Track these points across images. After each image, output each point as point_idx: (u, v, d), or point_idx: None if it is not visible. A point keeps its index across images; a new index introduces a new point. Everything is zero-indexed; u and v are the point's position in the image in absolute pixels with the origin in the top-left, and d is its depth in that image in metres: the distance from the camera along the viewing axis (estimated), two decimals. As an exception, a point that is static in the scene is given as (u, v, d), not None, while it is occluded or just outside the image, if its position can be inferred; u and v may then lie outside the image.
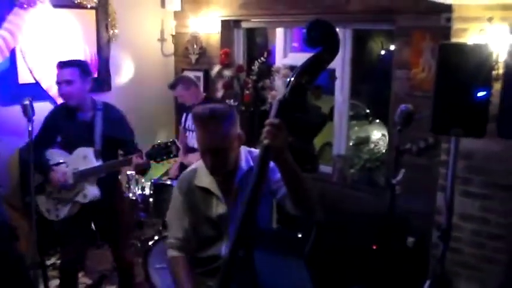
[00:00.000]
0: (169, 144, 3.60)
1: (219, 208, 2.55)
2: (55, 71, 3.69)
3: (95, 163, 3.69)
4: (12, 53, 4.89)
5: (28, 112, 3.31)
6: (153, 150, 3.61)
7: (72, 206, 3.74)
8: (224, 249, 2.48)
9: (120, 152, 3.94)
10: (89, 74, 3.75)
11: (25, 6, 4.79)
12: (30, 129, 3.25)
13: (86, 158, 3.70)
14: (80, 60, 3.81)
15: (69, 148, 3.74)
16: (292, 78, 1.94)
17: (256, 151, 2.58)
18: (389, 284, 3.67)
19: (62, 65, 3.67)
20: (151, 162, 3.68)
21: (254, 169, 2.06)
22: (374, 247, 4.04)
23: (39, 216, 3.74)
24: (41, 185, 3.81)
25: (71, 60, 3.74)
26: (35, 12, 4.91)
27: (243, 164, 2.54)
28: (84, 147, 3.71)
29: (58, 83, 3.64)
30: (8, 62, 4.87)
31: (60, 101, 4.03)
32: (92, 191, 3.72)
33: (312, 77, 1.94)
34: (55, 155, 3.79)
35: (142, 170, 3.84)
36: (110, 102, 4.02)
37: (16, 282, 3.32)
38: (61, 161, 3.75)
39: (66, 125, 3.68)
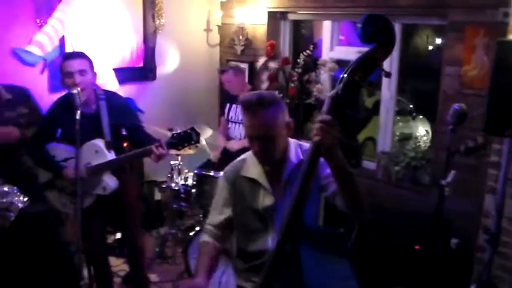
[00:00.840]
0: (189, 131, 3.54)
1: (265, 200, 2.52)
2: (64, 62, 3.59)
3: (108, 155, 3.63)
4: (62, 41, 4.93)
5: (76, 101, 3.31)
6: (173, 139, 3.53)
7: (90, 198, 3.69)
8: (270, 243, 2.45)
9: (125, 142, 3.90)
10: (94, 68, 3.68)
11: (74, -6, 4.84)
12: (77, 117, 3.24)
13: (97, 151, 3.63)
14: (87, 56, 3.71)
15: (73, 142, 3.46)
16: (345, 75, 1.89)
17: (306, 145, 2.55)
18: (431, 285, 3.60)
19: (72, 56, 3.63)
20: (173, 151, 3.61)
21: (303, 164, 2.03)
22: (417, 247, 3.96)
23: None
24: (50, 181, 3.81)
25: (79, 52, 3.72)
26: (84, 1, 4.94)
27: (293, 157, 2.51)
28: (94, 141, 3.62)
29: (70, 73, 3.52)
30: (58, 51, 4.92)
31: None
32: (111, 183, 3.68)
33: (365, 74, 1.89)
34: (60, 151, 3.73)
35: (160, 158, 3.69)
36: (112, 90, 4.00)
37: (61, 268, 3.36)
38: (69, 156, 3.65)
39: (69, 119, 3.37)
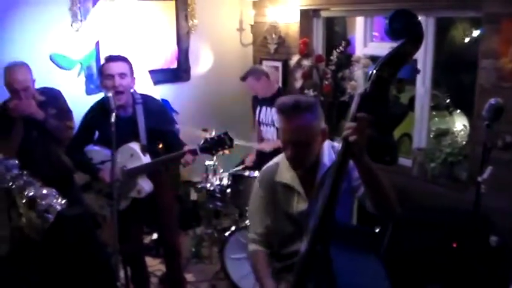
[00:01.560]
0: (222, 136, 3.57)
1: (300, 205, 2.53)
2: (106, 64, 3.68)
3: (144, 159, 3.68)
4: (97, 45, 5.02)
5: (111, 104, 3.36)
6: (207, 143, 3.58)
7: (124, 201, 3.75)
8: (304, 245, 2.44)
9: (160, 144, 3.95)
10: (133, 72, 3.75)
11: (109, -1, 4.90)
12: (112, 120, 3.29)
13: (133, 155, 3.68)
14: (128, 60, 3.79)
15: (110, 145, 3.47)
16: (374, 71, 1.87)
17: (339, 145, 2.53)
18: (469, 284, 3.54)
19: (114, 59, 3.68)
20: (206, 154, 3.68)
21: (334, 164, 2.01)
22: (454, 245, 3.89)
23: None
24: (87, 183, 3.88)
25: (121, 55, 3.76)
26: (118, 4, 4.99)
27: (326, 159, 2.50)
28: (130, 144, 3.68)
29: (110, 75, 3.60)
30: (93, 54, 5.00)
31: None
32: (146, 186, 3.74)
33: (394, 70, 1.86)
34: (97, 153, 3.80)
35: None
36: (149, 94, 4.04)
37: (98, 269, 3.40)
38: (105, 159, 3.71)
39: (106, 122, 3.39)
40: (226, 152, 3.69)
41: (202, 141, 3.63)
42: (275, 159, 2.72)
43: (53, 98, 4.14)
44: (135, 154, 3.69)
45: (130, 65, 3.73)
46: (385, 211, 2.23)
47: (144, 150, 3.72)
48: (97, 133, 3.88)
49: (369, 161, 2.01)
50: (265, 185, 2.65)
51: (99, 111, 3.73)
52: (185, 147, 3.64)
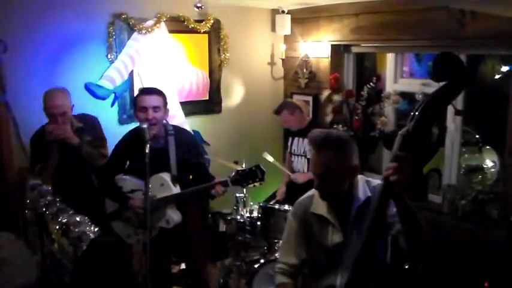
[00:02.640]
0: (254, 169, 3.63)
1: (335, 237, 2.52)
2: (140, 96, 3.77)
3: (173, 189, 3.74)
4: (130, 75, 5.12)
5: (145, 135, 3.44)
6: (238, 176, 3.65)
7: (153, 231, 3.77)
8: (339, 280, 2.45)
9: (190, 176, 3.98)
10: (167, 105, 3.83)
11: (144, 32, 5.01)
12: (147, 151, 3.37)
13: (163, 185, 3.73)
14: (163, 93, 3.88)
15: (141, 175, 3.65)
16: (417, 113, 1.91)
17: (374, 181, 2.55)
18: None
19: (149, 92, 3.77)
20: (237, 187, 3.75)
21: (374, 203, 2.03)
22: (486, 284, 3.86)
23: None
24: (116, 211, 3.92)
25: (157, 89, 3.83)
26: (153, 36, 5.11)
27: (360, 194, 2.50)
28: (160, 174, 3.74)
29: (144, 108, 3.68)
30: (127, 84, 5.11)
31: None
32: (175, 217, 3.78)
33: (436, 111, 1.90)
34: (127, 182, 3.85)
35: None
36: (180, 126, 4.11)
37: (130, 299, 3.43)
38: (135, 188, 3.79)
39: (138, 152, 3.55)
40: (257, 185, 3.73)
41: (233, 173, 3.68)
42: (309, 193, 2.73)
43: (89, 125, 4.24)
44: (166, 184, 3.75)
45: (164, 97, 3.80)
46: (420, 250, 2.24)
47: (175, 180, 3.77)
48: (128, 162, 3.95)
49: (408, 199, 2.03)
50: (299, 216, 2.66)
51: (131, 141, 3.80)
52: (216, 179, 3.69)
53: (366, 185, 2.55)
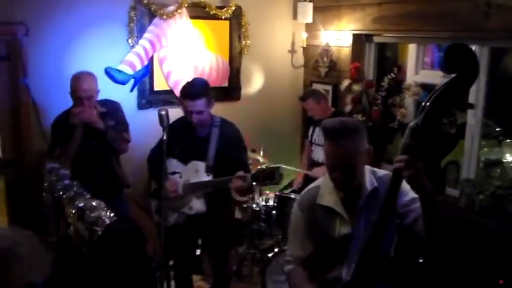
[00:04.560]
0: (273, 170, 3.70)
1: (342, 228, 2.49)
2: (185, 101, 3.81)
3: (205, 178, 3.83)
4: (150, 61, 5.14)
5: (164, 121, 3.49)
6: (258, 173, 3.71)
7: (178, 216, 3.88)
8: (345, 272, 2.42)
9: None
10: (212, 99, 3.90)
11: (165, 17, 5.01)
12: (164, 138, 3.42)
13: (197, 171, 3.85)
14: (206, 87, 3.92)
15: (184, 160, 3.90)
16: (427, 104, 1.88)
17: (379, 171, 2.53)
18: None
19: (192, 97, 3.78)
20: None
21: (384, 194, 2.02)
22: (501, 282, 3.82)
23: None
24: (156, 190, 4.02)
25: (200, 91, 3.83)
26: (173, 22, 5.11)
27: (368, 184, 2.48)
28: (198, 161, 3.86)
29: (189, 112, 3.79)
30: (146, 70, 5.13)
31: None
32: (198, 205, 3.86)
33: (447, 104, 1.87)
34: (171, 165, 3.94)
35: (243, 191, 3.94)
36: (227, 119, 4.10)
37: (144, 284, 3.46)
38: (177, 171, 3.91)
39: (184, 139, 3.85)
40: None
41: (255, 170, 3.72)
42: (316, 182, 2.71)
43: (113, 110, 4.27)
44: (200, 171, 3.87)
45: (209, 97, 3.86)
46: (436, 239, 2.22)
47: (209, 170, 3.88)
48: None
49: (428, 188, 2.01)
50: (305, 208, 2.63)
51: (180, 128, 3.95)
52: (238, 172, 3.72)
53: (372, 175, 2.53)
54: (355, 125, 2.43)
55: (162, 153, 3.74)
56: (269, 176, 3.69)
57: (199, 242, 4.35)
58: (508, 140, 5.18)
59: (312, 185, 2.72)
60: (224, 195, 4.02)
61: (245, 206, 4.97)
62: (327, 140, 2.42)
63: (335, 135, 2.37)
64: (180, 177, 3.91)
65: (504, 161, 4.79)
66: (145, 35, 5.03)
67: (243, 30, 5.76)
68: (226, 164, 3.88)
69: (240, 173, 3.71)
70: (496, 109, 5.73)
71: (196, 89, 3.85)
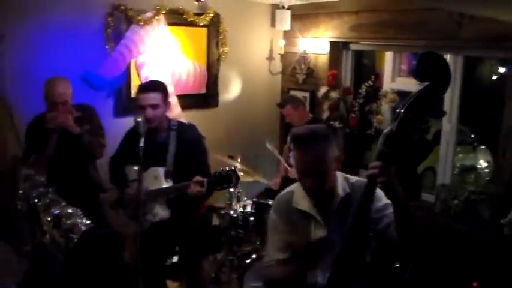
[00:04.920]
0: (229, 173, 3.59)
1: (317, 232, 2.52)
2: (139, 94, 3.76)
3: (164, 184, 3.74)
4: (128, 67, 5.12)
5: (140, 128, 3.43)
6: (213, 178, 3.62)
7: (145, 223, 3.76)
8: (320, 276, 2.44)
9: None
10: (168, 98, 3.83)
11: (142, 23, 5.00)
12: (141, 144, 3.36)
13: (156, 178, 3.75)
14: (162, 84, 3.88)
15: (144, 166, 3.64)
16: (401, 112, 1.91)
17: (352, 178, 2.56)
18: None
19: (146, 89, 3.75)
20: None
21: (358, 199, 2.04)
22: (475, 284, 3.87)
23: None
24: (118, 199, 3.95)
25: (155, 85, 3.81)
26: (151, 29, 5.10)
27: (340, 190, 2.51)
28: (156, 167, 3.75)
29: (142, 106, 3.69)
30: (124, 76, 5.12)
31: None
32: (161, 212, 3.78)
33: (420, 112, 1.90)
34: (132, 172, 3.82)
35: (200, 198, 3.77)
36: (186, 122, 4.09)
37: (120, 289, 3.44)
38: (136, 178, 3.72)
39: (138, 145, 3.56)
40: (231, 190, 3.70)
41: (212, 174, 3.66)
42: (289, 188, 2.73)
43: (88, 115, 4.24)
44: (158, 178, 3.76)
45: (164, 92, 3.78)
46: (410, 243, 2.25)
47: (168, 175, 3.77)
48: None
49: (400, 194, 2.03)
50: (281, 212, 2.65)
51: (135, 133, 3.83)
52: (196, 177, 3.66)
53: (344, 181, 2.56)
54: (323, 132, 2.46)
55: (139, 160, 3.73)
56: (225, 180, 3.62)
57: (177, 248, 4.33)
58: (482, 146, 5.26)
59: (286, 190, 2.74)
60: (187, 200, 3.99)
61: (222, 212, 4.96)
62: (296, 148, 2.45)
63: (303, 143, 2.41)
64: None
65: (478, 166, 4.87)
66: (123, 41, 4.99)
67: (220, 37, 5.77)
68: (186, 169, 3.81)
69: (197, 178, 3.61)
70: (471, 116, 5.81)
71: (150, 82, 3.87)
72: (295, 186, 2.67)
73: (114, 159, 4.04)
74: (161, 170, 3.77)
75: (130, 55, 5.04)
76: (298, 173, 2.48)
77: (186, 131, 3.93)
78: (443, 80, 1.87)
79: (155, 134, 3.74)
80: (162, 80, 4.15)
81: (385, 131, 1.95)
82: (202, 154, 3.96)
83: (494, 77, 6.27)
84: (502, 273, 3.59)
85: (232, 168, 3.64)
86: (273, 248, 2.69)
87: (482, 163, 4.87)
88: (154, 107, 3.68)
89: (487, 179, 4.62)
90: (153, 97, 3.69)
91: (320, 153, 2.39)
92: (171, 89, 5.15)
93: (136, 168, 3.85)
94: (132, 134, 3.89)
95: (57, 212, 3.47)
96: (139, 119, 3.45)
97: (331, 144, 2.43)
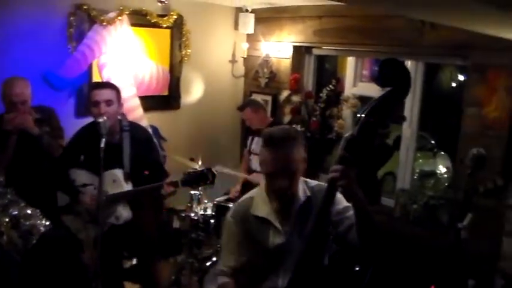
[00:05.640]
0: (204, 171, 3.62)
1: (276, 238, 2.51)
2: (93, 90, 3.73)
3: (125, 186, 3.72)
4: (89, 67, 5.05)
5: (102, 130, 3.38)
6: (189, 177, 3.62)
7: (103, 226, 3.73)
8: (281, 282, 2.44)
9: (146, 172, 3.93)
10: (121, 98, 3.79)
11: (105, 24, 4.95)
12: (102, 145, 3.31)
13: (115, 181, 3.71)
14: (115, 84, 3.85)
15: (94, 169, 3.60)
16: (362, 116, 1.92)
17: (312, 182, 2.57)
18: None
19: (101, 86, 3.75)
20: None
21: (319, 203, 2.04)
22: (433, 287, 3.93)
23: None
24: (67, 205, 3.85)
25: (108, 82, 3.81)
26: (113, 29, 5.05)
27: (301, 194, 2.51)
28: (113, 170, 3.71)
29: (96, 102, 3.64)
30: (85, 76, 5.04)
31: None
32: (125, 213, 3.74)
33: (381, 116, 1.91)
34: (80, 176, 3.82)
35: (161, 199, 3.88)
36: (136, 122, 4.06)
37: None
38: (88, 182, 3.76)
39: (93, 146, 3.48)
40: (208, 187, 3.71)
41: (185, 174, 3.65)
42: (249, 194, 2.72)
43: (47, 116, 4.18)
44: (118, 181, 3.72)
45: (118, 91, 3.75)
46: (371, 243, 2.26)
47: (127, 177, 3.74)
48: (83, 156, 3.89)
49: (361, 198, 2.04)
50: (239, 219, 2.62)
51: (87, 134, 3.76)
52: (168, 178, 3.66)
53: (304, 185, 2.57)
54: (294, 132, 2.49)
55: (61, 163, 3.76)
56: (201, 178, 3.63)
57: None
58: (442, 153, 5.35)
59: (246, 196, 2.72)
60: (150, 201, 3.96)
61: (183, 215, 4.93)
62: (268, 147, 2.43)
63: (276, 142, 2.40)
64: (95, 188, 3.69)
65: (438, 172, 4.94)
66: (85, 40, 4.93)
67: (184, 39, 5.75)
68: (143, 169, 3.81)
69: (170, 179, 3.65)
70: (431, 122, 5.91)
71: (105, 81, 3.80)
72: (256, 192, 2.66)
73: (58, 162, 3.92)
74: (119, 172, 3.73)
75: (92, 55, 4.97)
76: (268, 174, 2.46)
77: (138, 130, 3.93)
78: (404, 86, 1.89)
79: (108, 136, 3.58)
80: (124, 81, 4.12)
81: (346, 135, 1.96)
82: (157, 153, 3.96)
83: (454, 84, 6.40)
84: (458, 277, 3.65)
85: (207, 167, 3.69)
86: (227, 254, 2.67)
87: (442, 169, 4.94)
88: (108, 102, 3.64)
89: (446, 184, 4.69)
90: (107, 93, 3.66)
91: (291, 153, 2.40)
92: (133, 90, 5.13)
93: (83, 171, 3.80)
94: (79, 138, 3.84)
95: (15, 212, 3.42)
96: (101, 120, 3.40)
97: (301, 144, 2.45)
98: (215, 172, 3.65)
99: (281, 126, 2.57)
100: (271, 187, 2.50)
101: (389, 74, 1.87)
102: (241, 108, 5.16)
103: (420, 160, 5.12)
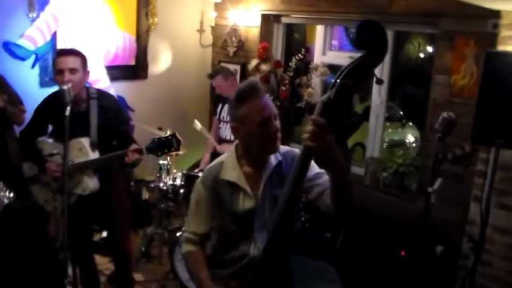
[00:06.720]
0: (169, 137, 3.53)
1: (246, 203, 2.46)
2: (57, 58, 3.58)
3: (91, 155, 3.61)
4: (53, 36, 4.92)
5: (66, 97, 3.28)
6: (153, 144, 3.53)
7: (71, 197, 3.59)
8: (252, 247, 2.42)
9: (114, 142, 3.83)
10: (87, 66, 3.66)
11: (68, -10, 4.82)
12: (67, 114, 3.21)
13: (81, 150, 3.60)
14: (81, 52, 3.70)
15: (62, 138, 3.41)
16: (338, 80, 1.89)
17: (284, 148, 2.54)
18: (415, 291, 3.63)
19: (65, 53, 3.59)
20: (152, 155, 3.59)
21: (293, 168, 2.01)
22: (402, 253, 3.99)
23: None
24: (35, 175, 3.77)
25: (74, 49, 3.69)
26: (78, -4, 4.93)
27: (272, 158, 2.48)
28: (79, 139, 3.59)
29: (61, 70, 3.50)
30: (49, 45, 4.91)
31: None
32: (91, 184, 3.65)
33: (358, 79, 1.88)
34: (48, 145, 3.73)
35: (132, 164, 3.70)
36: (104, 90, 3.97)
37: (46, 264, 3.34)
38: (55, 152, 3.67)
39: (59, 115, 3.29)
40: (174, 154, 3.64)
41: (150, 142, 3.59)
42: (220, 158, 2.66)
43: (1, 83, 4.05)
44: (84, 149, 3.61)
45: (83, 58, 3.62)
46: (344, 213, 2.24)
47: (94, 146, 3.63)
48: (50, 125, 3.81)
49: (339, 161, 2.00)
50: (208, 184, 2.56)
51: (53, 103, 3.65)
52: (132, 145, 3.58)
53: None
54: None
55: (28, 133, 3.68)
56: (166, 145, 3.55)
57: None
58: (410, 123, 5.41)
59: (216, 161, 2.67)
60: (117, 170, 3.89)
61: (152, 186, 4.89)
62: (251, 100, 2.35)
63: (256, 91, 2.37)
64: (62, 158, 3.50)
65: (406, 141, 5.00)
66: (48, 8, 4.79)
67: (150, 7, 5.64)
68: (110, 138, 3.73)
69: (135, 146, 3.54)
70: (399, 93, 5.96)
71: (70, 48, 3.70)
72: (226, 157, 2.61)
73: (26, 133, 3.82)
74: (86, 141, 3.62)
75: (56, 23, 4.85)
76: (261, 123, 2.35)
77: (106, 98, 3.80)
78: (381, 48, 1.86)
79: (74, 105, 3.45)
80: (90, 50, 4.01)
81: (321, 99, 1.92)
82: (125, 122, 3.89)
83: (422, 55, 6.45)
84: (427, 243, 3.71)
85: (172, 133, 3.56)
86: (195, 220, 2.63)
87: (410, 138, 5.00)
88: (73, 71, 3.49)
89: (415, 154, 4.75)
90: (72, 60, 3.52)
91: (267, 98, 2.42)
92: (100, 60, 5.03)
93: (50, 141, 3.72)
94: (44, 107, 3.74)
95: (-22, 184, 3.33)
96: (65, 87, 3.30)
97: None
98: (180, 138, 3.58)
99: (246, 81, 2.53)
100: (265, 135, 2.41)
101: (367, 36, 1.83)
102: (212, 75, 5.12)
103: (389, 130, 5.17)
